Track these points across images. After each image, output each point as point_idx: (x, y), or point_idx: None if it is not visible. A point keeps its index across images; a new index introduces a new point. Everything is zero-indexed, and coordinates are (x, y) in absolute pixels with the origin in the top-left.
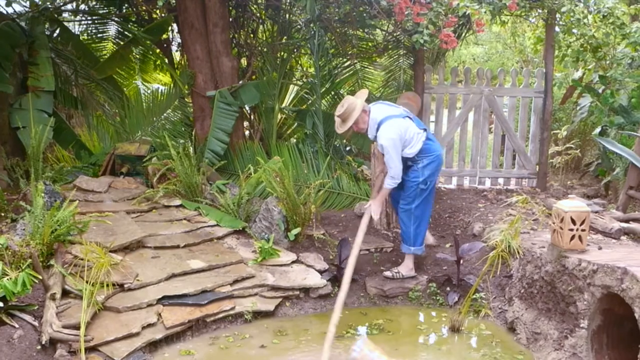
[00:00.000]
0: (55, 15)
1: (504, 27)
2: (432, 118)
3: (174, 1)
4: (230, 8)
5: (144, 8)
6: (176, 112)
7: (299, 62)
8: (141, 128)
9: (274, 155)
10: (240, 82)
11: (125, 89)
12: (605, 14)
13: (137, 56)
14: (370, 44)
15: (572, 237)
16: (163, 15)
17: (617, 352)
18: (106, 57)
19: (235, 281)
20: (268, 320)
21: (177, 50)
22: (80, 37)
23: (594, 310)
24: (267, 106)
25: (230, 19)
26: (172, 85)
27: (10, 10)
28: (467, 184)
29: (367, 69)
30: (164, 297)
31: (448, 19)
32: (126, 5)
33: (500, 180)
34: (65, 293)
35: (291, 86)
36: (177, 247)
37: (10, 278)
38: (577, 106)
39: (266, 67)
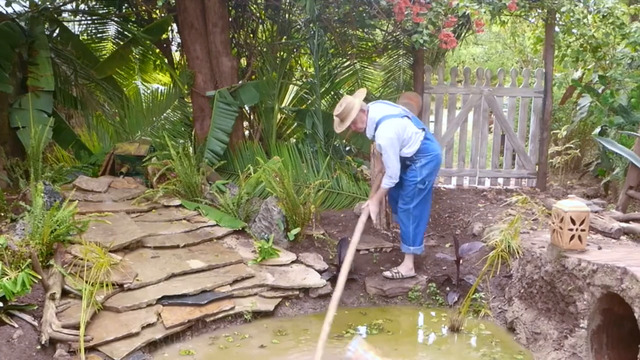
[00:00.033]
0: (55, 15)
1: (504, 27)
2: (432, 118)
3: (173, 1)
4: (230, 8)
5: (143, 8)
6: (176, 112)
7: (299, 62)
8: (141, 128)
9: (273, 155)
10: (240, 82)
11: (125, 89)
12: (605, 14)
13: (137, 56)
14: (369, 44)
15: (572, 237)
16: (163, 15)
17: (617, 352)
18: (106, 57)
19: (235, 281)
20: (268, 320)
21: (176, 50)
22: (80, 37)
23: (594, 310)
24: (266, 106)
25: (230, 19)
26: (171, 85)
27: (10, 10)
28: (466, 183)
29: (366, 69)
30: (163, 297)
31: (448, 19)
32: (126, 5)
33: (500, 180)
34: (65, 293)
35: (291, 86)
36: (177, 247)
37: (10, 278)
38: (576, 106)
39: (266, 67)
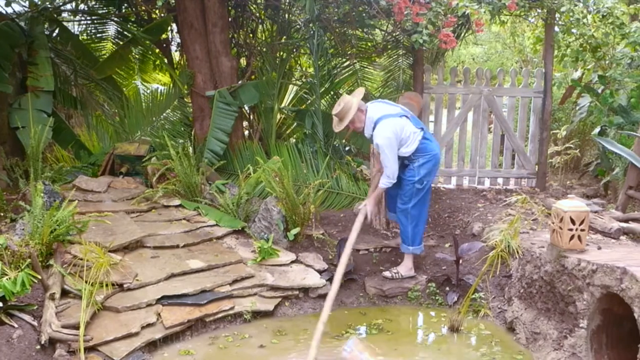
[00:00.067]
0: (55, 15)
1: (504, 27)
2: (431, 118)
3: (173, 1)
4: (230, 8)
5: (143, 8)
6: (175, 112)
7: (298, 62)
8: (140, 128)
9: (273, 155)
10: (240, 82)
11: (124, 89)
12: (605, 14)
13: (137, 56)
14: (369, 44)
15: (572, 237)
16: (162, 15)
17: (617, 352)
18: (105, 57)
19: (235, 281)
20: (267, 320)
21: (176, 50)
22: (80, 37)
23: (593, 310)
24: (266, 106)
25: (230, 19)
26: (171, 85)
27: (9, 10)
28: (466, 183)
29: (366, 69)
30: (163, 297)
31: (447, 18)
32: (125, 5)
33: (500, 180)
34: (65, 293)
35: (290, 86)
36: (177, 247)
37: (10, 278)
38: (576, 106)
39: (265, 67)
